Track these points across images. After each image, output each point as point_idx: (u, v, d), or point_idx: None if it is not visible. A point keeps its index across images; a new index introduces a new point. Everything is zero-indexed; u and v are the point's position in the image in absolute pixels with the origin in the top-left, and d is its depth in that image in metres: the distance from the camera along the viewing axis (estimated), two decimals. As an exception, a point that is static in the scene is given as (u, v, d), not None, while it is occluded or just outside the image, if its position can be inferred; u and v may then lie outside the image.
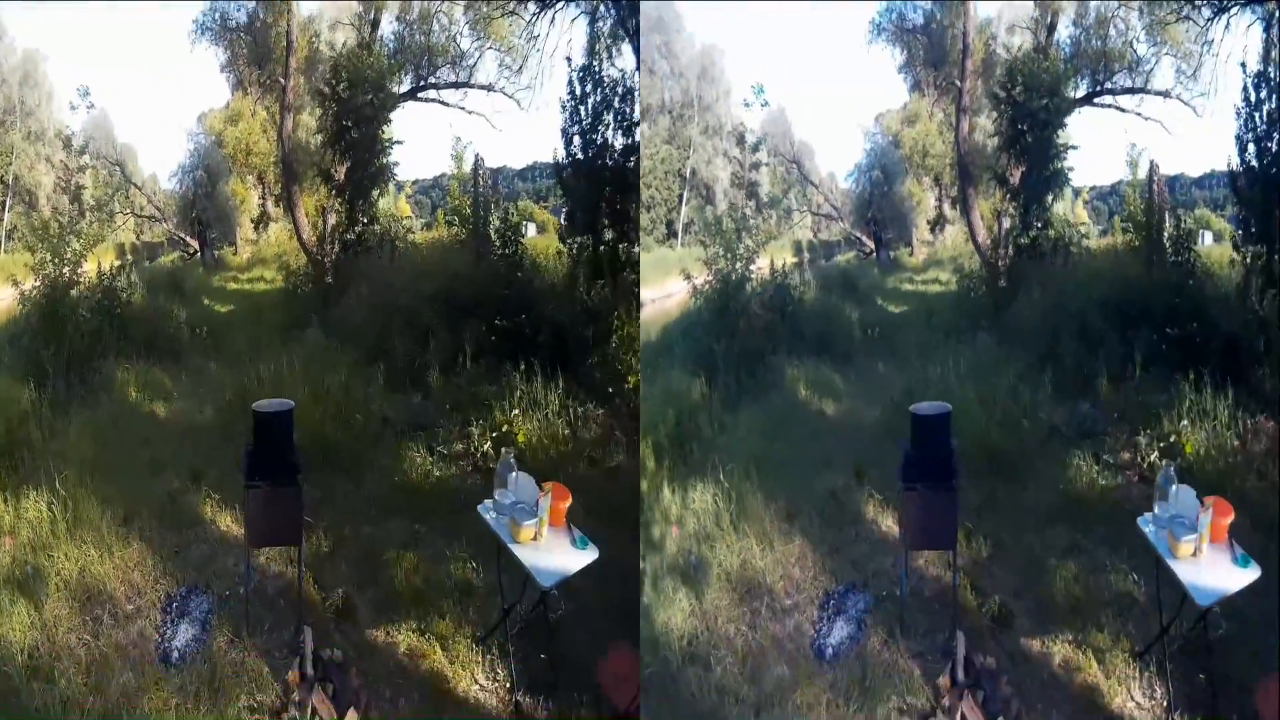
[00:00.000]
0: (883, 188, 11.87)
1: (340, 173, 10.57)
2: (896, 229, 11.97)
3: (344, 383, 9.21)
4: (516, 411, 9.01)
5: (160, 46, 10.25)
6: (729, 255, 10.44)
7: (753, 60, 10.84)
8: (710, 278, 10.43)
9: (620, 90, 9.70)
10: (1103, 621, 7.31)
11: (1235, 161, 9.61)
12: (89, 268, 10.00)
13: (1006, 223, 10.92)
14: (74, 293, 9.80)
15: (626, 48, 9.63)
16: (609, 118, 9.75)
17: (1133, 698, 6.87)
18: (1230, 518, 6.63)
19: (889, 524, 8.15)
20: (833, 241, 12.01)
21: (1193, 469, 8.22)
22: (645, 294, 9.32)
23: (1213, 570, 6.50)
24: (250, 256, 11.35)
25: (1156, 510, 6.80)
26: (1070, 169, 10.89)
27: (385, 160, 10.69)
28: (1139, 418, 9.00)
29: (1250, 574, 6.49)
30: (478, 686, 7.02)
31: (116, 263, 10.47)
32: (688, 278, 10.48)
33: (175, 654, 6.95)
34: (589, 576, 6.89)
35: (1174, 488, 6.79)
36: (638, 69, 9.62)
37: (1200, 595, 6.42)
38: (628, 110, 9.71)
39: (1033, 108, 10.67)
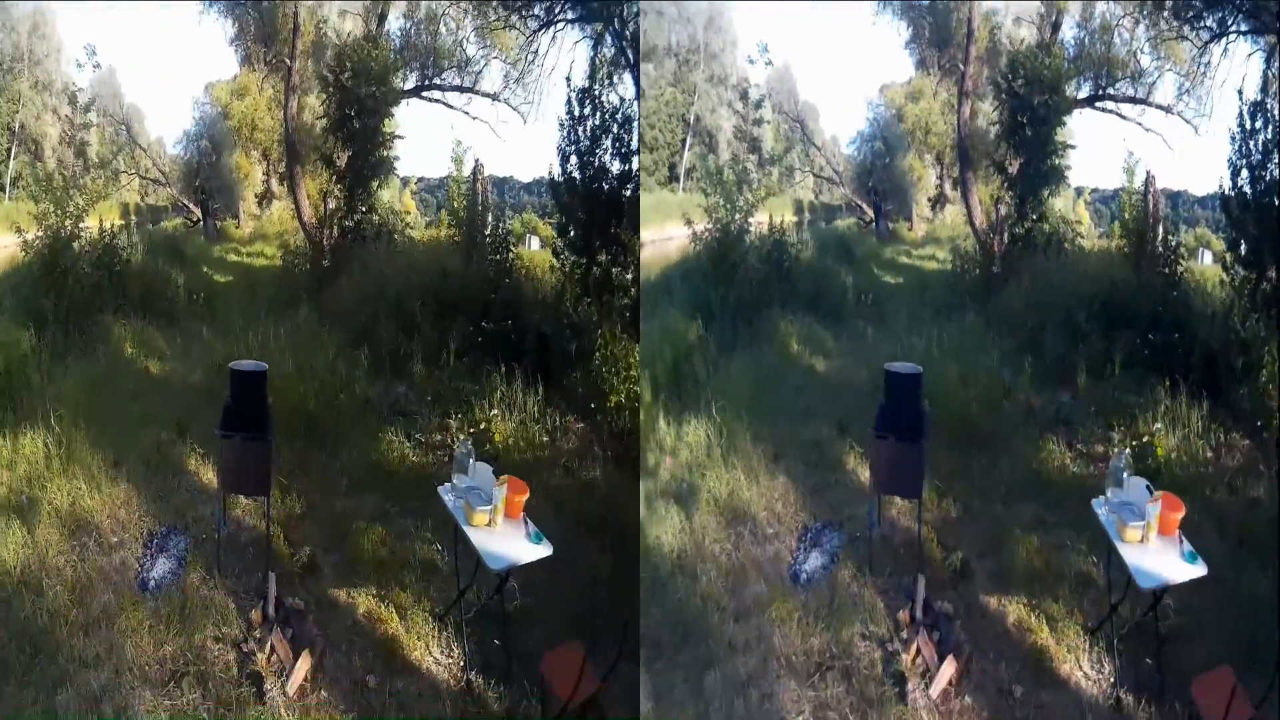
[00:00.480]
0: (884, 159, 12.00)
1: (342, 160, 10.77)
2: (896, 202, 12.12)
3: (330, 362, 9.51)
4: (496, 411, 9.27)
5: (170, 10, 10.36)
6: (729, 206, 10.77)
7: (759, 15, 10.96)
8: (710, 226, 10.75)
9: (620, 118, 9.83)
10: (1059, 594, 7.75)
11: (1227, 185, 9.76)
12: (91, 223, 10.21)
13: (1003, 211, 11.11)
14: (75, 246, 10.02)
15: (628, 77, 9.83)
16: (607, 143, 9.88)
17: (1081, 668, 7.27)
18: (1180, 514, 7.07)
19: (867, 476, 8.56)
20: (834, 205, 12.13)
21: (1162, 471, 8.53)
22: (645, 235, 9.63)
23: (1158, 559, 6.94)
24: (252, 231, 11.49)
25: (1109, 495, 7.25)
26: (1067, 167, 11.08)
27: (386, 153, 10.86)
28: (1114, 414, 9.28)
29: (1196, 570, 6.93)
30: (431, 659, 7.43)
31: (119, 222, 10.65)
32: (688, 223, 10.83)
33: (152, 582, 7.50)
34: (550, 575, 7.60)
35: (1126, 474, 7.21)
36: (637, 98, 9.86)
37: (1142, 578, 6.88)
38: (626, 138, 9.85)
39: (1033, 102, 10.84)
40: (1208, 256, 10.63)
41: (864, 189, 12.07)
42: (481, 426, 9.06)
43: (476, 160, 10.47)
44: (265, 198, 11.51)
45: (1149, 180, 10.57)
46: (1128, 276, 10.41)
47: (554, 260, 10.07)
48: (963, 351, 9.84)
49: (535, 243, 10.66)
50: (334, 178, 10.78)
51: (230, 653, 7.11)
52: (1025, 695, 7.05)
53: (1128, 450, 7.49)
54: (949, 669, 7.13)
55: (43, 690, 6.77)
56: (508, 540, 7.14)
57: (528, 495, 7.31)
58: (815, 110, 11.73)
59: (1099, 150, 11.00)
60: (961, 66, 11.21)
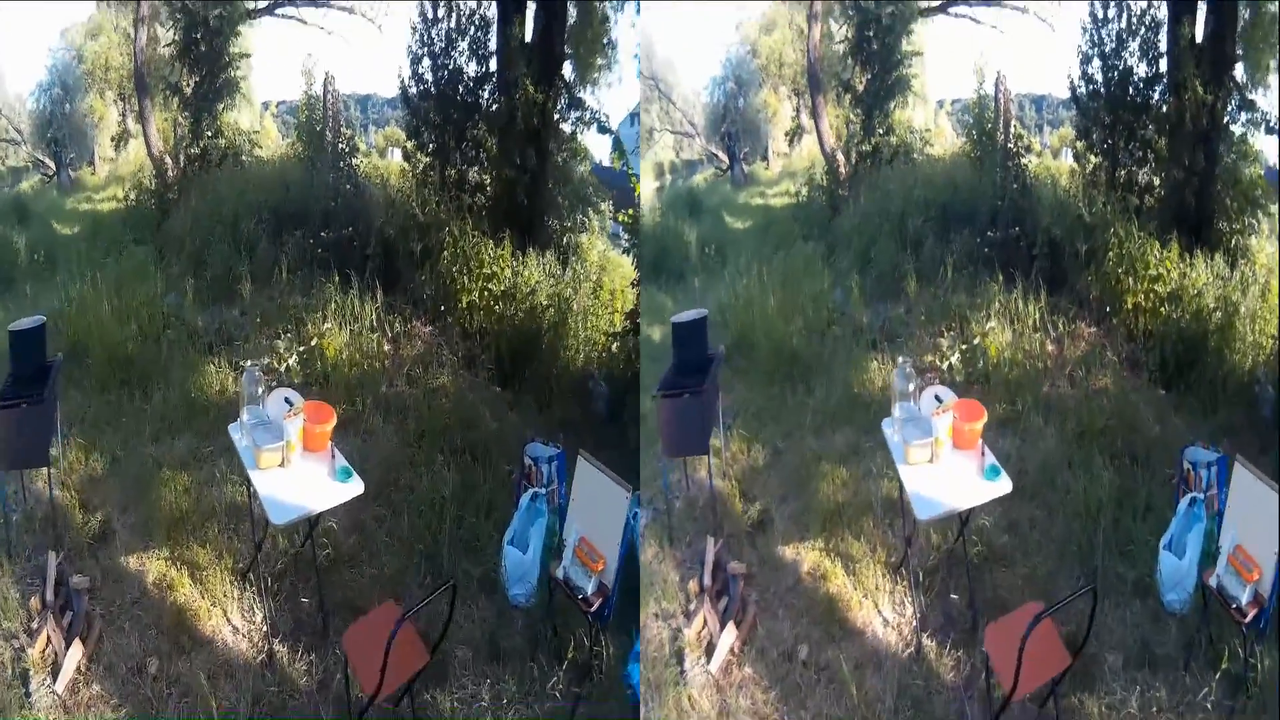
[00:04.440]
0: (736, 100, 9.95)
1: (189, 86, 8.92)
2: (751, 142, 10.03)
3: (154, 297, 7.62)
4: (330, 325, 7.35)
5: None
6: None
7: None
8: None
9: (477, 19, 8.14)
10: (862, 528, 5.80)
11: (1076, 75, 8.19)
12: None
13: (851, 130, 9.26)
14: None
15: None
16: (463, 45, 8.16)
17: (880, 612, 5.25)
18: (979, 422, 5.05)
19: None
20: (694, 160, 10.05)
21: (993, 374, 6.68)
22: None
23: (947, 480, 4.94)
24: (108, 175, 9.32)
25: (896, 412, 5.19)
26: (914, 76, 9.18)
27: (234, 74, 8.96)
28: (945, 320, 7.53)
29: (995, 488, 4.93)
30: (230, 627, 5.33)
31: (-20, 193, 8.53)
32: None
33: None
34: (385, 502, 5.92)
35: (911, 386, 5.22)
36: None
37: (921, 506, 4.82)
38: (484, 39, 8.14)
39: (880, 14, 9.07)
40: (1071, 156, 8.75)
41: (717, 134, 10.03)
42: (312, 343, 7.22)
43: (326, 73, 8.58)
44: (122, 139, 9.36)
45: (999, 80, 8.73)
46: (969, 178, 8.56)
47: (405, 164, 8.21)
48: (792, 281, 8.00)
49: (398, 154, 8.71)
50: (181, 105, 8.90)
51: (5, 650, 5.13)
52: (811, 655, 4.98)
53: (909, 362, 5.37)
54: (729, 638, 5.21)
55: None
56: (304, 482, 5.08)
57: (334, 422, 5.25)
58: (673, 64, 9.74)
59: (957, 60, 9.16)
60: (811, -14, 8.99)
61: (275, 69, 8.95)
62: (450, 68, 8.14)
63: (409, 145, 8.22)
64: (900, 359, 5.31)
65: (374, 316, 7.48)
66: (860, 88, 9.18)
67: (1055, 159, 8.88)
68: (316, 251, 7.89)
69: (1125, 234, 7.56)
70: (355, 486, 5.02)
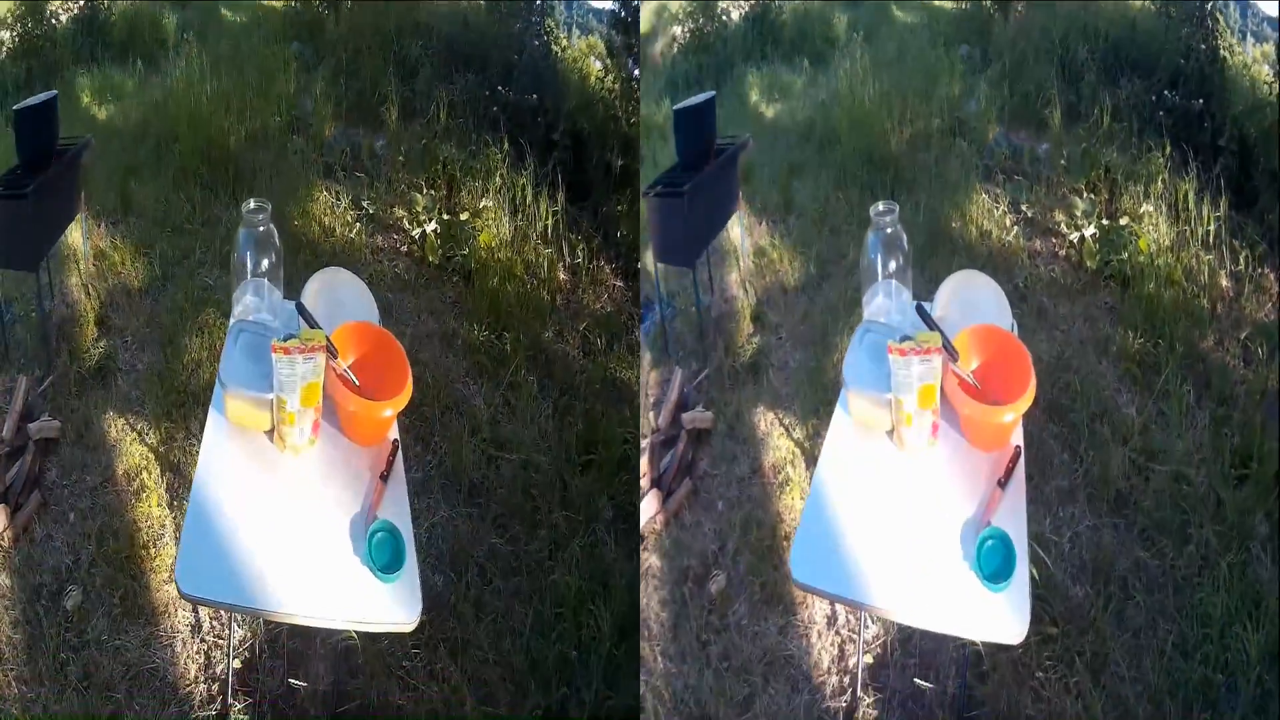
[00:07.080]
0: None
1: None
2: None
3: (286, 97, 4.84)
4: (489, 201, 4.20)
5: None
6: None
7: None
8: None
9: None
10: None
11: None
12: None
13: None
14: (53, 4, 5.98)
15: None
16: None
17: (821, 646, 2.74)
18: (1017, 407, 1.60)
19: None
20: None
21: (1135, 281, 3.78)
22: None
23: (898, 506, 1.69)
24: None
25: (869, 300, 2.09)
26: None
27: None
28: (1090, 174, 4.28)
29: (989, 608, 1.51)
30: (190, 619, 2.63)
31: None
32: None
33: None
34: (491, 592, 2.57)
35: (895, 263, 1.93)
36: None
37: (802, 556, 1.69)
38: None
39: None
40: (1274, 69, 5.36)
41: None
42: (461, 216, 4.13)
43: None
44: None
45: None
46: (1152, 24, 5.15)
47: (608, 63, 4.69)
48: (924, 80, 5.14)
49: (598, 66, 5.41)
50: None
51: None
52: (719, 600, 2.67)
53: (892, 209, 1.88)
54: (651, 507, 2.95)
55: None
56: (292, 513, 1.67)
57: (405, 399, 1.85)
58: None
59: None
60: None
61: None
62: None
63: (618, 41, 4.73)
64: (880, 205, 2.06)
65: (550, 223, 4.16)
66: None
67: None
68: (490, 109, 4.66)
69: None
70: (399, 609, 1.80)
